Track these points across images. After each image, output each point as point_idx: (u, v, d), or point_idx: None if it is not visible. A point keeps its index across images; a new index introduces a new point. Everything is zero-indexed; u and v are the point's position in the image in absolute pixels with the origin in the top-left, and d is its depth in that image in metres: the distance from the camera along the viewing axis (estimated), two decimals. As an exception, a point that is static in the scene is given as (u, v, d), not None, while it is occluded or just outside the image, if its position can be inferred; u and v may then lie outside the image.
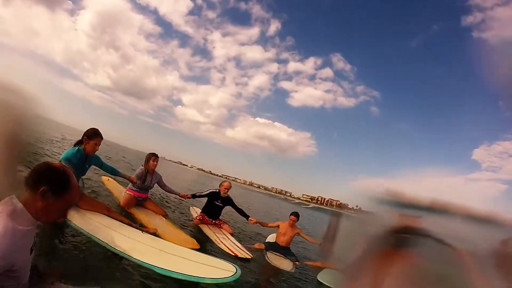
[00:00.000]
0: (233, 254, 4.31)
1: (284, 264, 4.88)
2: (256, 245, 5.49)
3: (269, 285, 3.93)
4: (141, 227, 4.02)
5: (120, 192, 5.35)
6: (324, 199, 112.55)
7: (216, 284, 2.68)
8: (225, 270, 2.79)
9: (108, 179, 5.97)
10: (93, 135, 3.62)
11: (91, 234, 2.90)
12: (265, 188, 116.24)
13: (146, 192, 5.17)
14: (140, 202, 5.04)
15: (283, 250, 5.51)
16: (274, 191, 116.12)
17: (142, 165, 5.05)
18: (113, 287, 2.27)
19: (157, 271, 2.63)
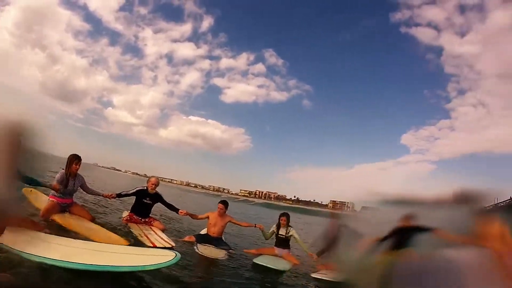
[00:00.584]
0: (152, 246, 4.25)
1: (215, 253, 4.83)
2: (186, 238, 5.44)
3: (199, 274, 3.92)
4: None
5: (44, 201, 4.92)
6: (262, 192, 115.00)
7: (158, 270, 2.79)
8: (164, 256, 2.87)
9: (31, 190, 5.43)
10: None
11: (20, 251, 2.69)
12: (203, 187, 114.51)
13: (71, 197, 4.89)
14: (65, 208, 4.76)
15: (215, 240, 5.45)
16: (211, 189, 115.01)
17: (62, 169, 4.73)
18: None
19: (96, 269, 2.57)
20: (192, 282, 3.43)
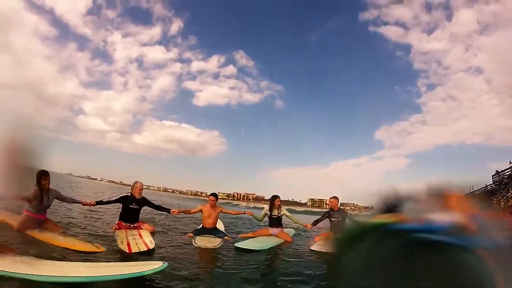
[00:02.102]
0: (128, 252, 4.08)
1: (211, 242, 5.09)
2: (187, 236, 5.64)
3: (198, 265, 4.03)
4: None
5: (10, 217, 4.90)
6: (240, 194, 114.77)
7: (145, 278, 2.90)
8: (152, 265, 3.00)
9: None
10: None
11: (17, 273, 2.67)
12: (180, 192, 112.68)
13: (44, 212, 4.86)
14: (39, 224, 4.69)
15: (211, 231, 5.80)
16: (189, 193, 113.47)
17: (35, 185, 4.63)
18: None
19: (92, 280, 2.67)
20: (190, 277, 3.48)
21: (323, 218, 6.61)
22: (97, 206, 5.66)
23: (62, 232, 4.77)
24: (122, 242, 4.48)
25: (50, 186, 4.84)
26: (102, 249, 3.95)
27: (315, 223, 6.64)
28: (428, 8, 78.79)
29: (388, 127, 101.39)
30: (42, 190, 4.70)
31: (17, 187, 3.22)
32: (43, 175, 4.68)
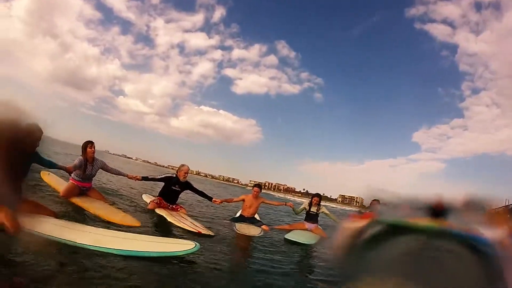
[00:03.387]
0: (197, 231, 4.30)
1: (252, 230, 5.15)
2: (225, 222, 5.73)
3: (242, 250, 4.21)
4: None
5: (61, 184, 5.12)
6: (271, 184, 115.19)
7: (181, 258, 2.92)
8: (186, 245, 3.01)
9: (48, 174, 5.57)
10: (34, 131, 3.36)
11: (52, 236, 2.77)
12: (213, 177, 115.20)
13: (90, 181, 5.02)
14: (83, 192, 4.88)
15: (249, 220, 5.87)
16: (221, 179, 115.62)
17: (80, 155, 4.83)
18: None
19: (123, 253, 2.72)
20: (231, 259, 3.61)
21: None
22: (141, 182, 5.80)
23: (105, 202, 4.93)
24: (178, 222, 4.64)
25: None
26: (139, 224, 4.06)
27: None
28: (477, 7, 72.12)
29: (427, 130, 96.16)
30: (87, 160, 4.84)
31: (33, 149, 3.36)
32: (88, 144, 4.83)
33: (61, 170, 4.64)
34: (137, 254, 2.77)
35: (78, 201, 4.56)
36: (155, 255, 2.82)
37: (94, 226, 3.43)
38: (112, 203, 5.06)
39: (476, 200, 3.48)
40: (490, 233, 3.00)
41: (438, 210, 4.22)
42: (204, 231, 4.40)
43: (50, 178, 5.48)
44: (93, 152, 4.91)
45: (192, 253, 2.94)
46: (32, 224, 2.72)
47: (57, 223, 3.18)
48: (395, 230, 3.69)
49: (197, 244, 2.99)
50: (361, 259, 3.46)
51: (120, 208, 4.79)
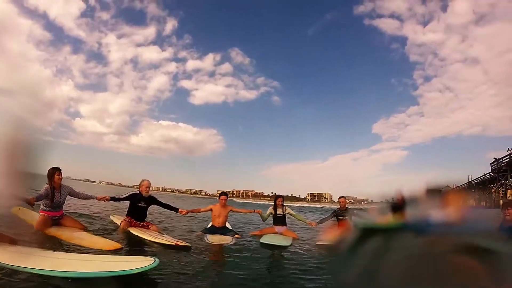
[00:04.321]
0: (174, 244, 4.34)
1: (223, 239, 5.19)
2: (197, 234, 5.71)
3: (215, 261, 4.17)
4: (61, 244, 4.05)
5: (35, 218, 4.90)
6: (239, 191, 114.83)
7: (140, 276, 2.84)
8: (144, 261, 2.93)
9: (19, 208, 5.31)
10: None
11: (7, 264, 2.73)
12: (179, 191, 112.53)
13: (60, 209, 4.87)
14: (57, 221, 4.76)
15: (221, 230, 5.87)
16: (188, 192, 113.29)
17: (46, 183, 4.67)
18: None
19: (86, 276, 2.69)
20: (206, 269, 3.58)
21: (330, 217, 6.78)
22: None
23: (81, 228, 4.82)
24: (154, 238, 4.63)
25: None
26: (120, 246, 3.97)
27: (321, 221, 6.83)
28: None
29: (385, 120, 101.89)
30: (54, 187, 4.70)
31: (15, 189, 3.19)
32: (55, 172, 4.69)
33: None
34: (97, 275, 2.71)
35: (54, 232, 4.44)
36: (111, 274, 2.72)
37: (53, 250, 3.37)
38: (87, 229, 4.99)
39: (433, 187, 3.92)
40: (441, 214, 3.39)
41: (399, 205, 4.96)
42: (181, 243, 4.44)
43: (23, 212, 5.26)
44: (61, 179, 4.77)
45: (152, 269, 2.85)
46: None
47: (14, 250, 3.11)
48: (367, 233, 4.18)
49: (156, 259, 2.93)
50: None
51: (97, 234, 4.71)
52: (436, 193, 3.84)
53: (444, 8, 78.02)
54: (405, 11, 78.13)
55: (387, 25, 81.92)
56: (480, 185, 31.01)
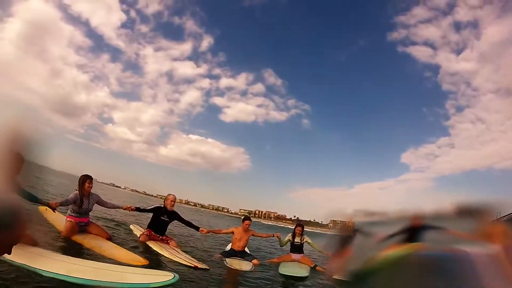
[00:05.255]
0: (193, 266, 4.34)
1: (243, 265, 5.14)
2: (216, 256, 5.63)
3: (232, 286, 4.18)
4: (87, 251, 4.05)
5: (61, 221, 5.02)
6: (262, 212, 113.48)
7: None
8: (164, 276, 2.94)
9: (46, 209, 5.29)
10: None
11: (27, 265, 2.78)
12: (202, 206, 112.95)
13: (87, 216, 4.92)
14: (83, 228, 4.78)
15: (240, 253, 5.80)
16: (211, 208, 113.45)
17: (76, 189, 4.80)
18: None
19: (99, 285, 2.67)
20: None
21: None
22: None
23: (107, 238, 4.86)
24: (173, 256, 4.65)
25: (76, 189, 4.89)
26: (147, 262, 3.95)
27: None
28: (457, 27, 76.89)
29: (414, 150, 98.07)
30: (83, 194, 4.80)
31: (14, 178, 3.32)
32: (87, 179, 4.83)
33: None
34: (111, 285, 2.71)
35: (81, 239, 4.48)
36: (129, 286, 2.74)
37: (71, 256, 3.36)
38: (112, 238, 5.02)
39: (467, 207, 3.34)
40: (481, 248, 2.79)
41: (415, 229, 4.29)
42: (200, 265, 4.43)
43: (48, 213, 5.30)
44: (91, 187, 4.88)
45: (171, 284, 2.85)
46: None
47: (34, 252, 3.15)
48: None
49: (176, 275, 2.94)
50: None
51: (123, 245, 4.71)
52: (472, 215, 3.18)
53: (478, 36, 75.41)
54: (439, 38, 76.28)
55: (420, 53, 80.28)
56: (509, 223, 28.45)
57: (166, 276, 2.91)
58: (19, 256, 2.82)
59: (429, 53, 79.35)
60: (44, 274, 2.71)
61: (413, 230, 4.30)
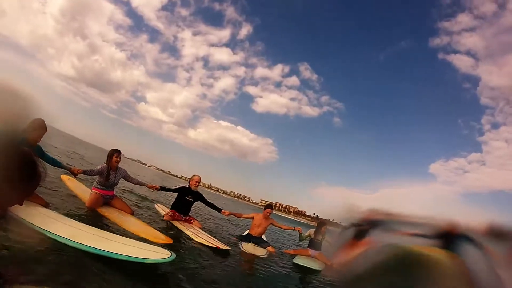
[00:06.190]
0: (215, 246, 4.39)
1: (258, 251, 5.20)
2: (232, 239, 5.80)
3: (247, 271, 4.17)
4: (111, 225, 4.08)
5: (83, 191, 5.16)
6: (282, 205, 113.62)
7: (152, 265, 2.81)
8: (161, 254, 2.91)
9: (69, 178, 5.59)
10: (38, 127, 3.43)
11: (34, 224, 2.85)
12: (224, 192, 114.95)
13: (112, 189, 4.99)
14: (107, 201, 4.86)
15: (255, 239, 5.85)
16: (232, 195, 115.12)
17: (104, 162, 4.88)
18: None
19: (98, 253, 2.67)
20: (237, 277, 3.66)
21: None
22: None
23: (131, 213, 4.91)
24: (195, 236, 4.71)
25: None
26: (171, 241, 3.95)
27: None
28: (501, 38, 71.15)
29: (444, 162, 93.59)
30: (111, 168, 4.84)
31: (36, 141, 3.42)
32: (115, 153, 4.87)
33: (83, 174, 4.65)
34: (108, 255, 2.69)
35: (105, 212, 4.54)
36: (125, 258, 2.71)
37: (76, 220, 3.41)
38: (134, 213, 5.07)
39: (504, 229, 3.12)
40: None
41: (451, 236, 3.77)
42: (222, 246, 4.50)
43: (71, 183, 5.49)
44: (118, 162, 4.94)
45: (166, 262, 2.84)
46: (20, 210, 2.58)
47: (44, 213, 3.26)
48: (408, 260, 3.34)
49: (173, 254, 2.91)
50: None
51: (147, 222, 4.73)
52: (505, 237, 3.00)
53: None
54: (482, 49, 71.35)
55: (461, 62, 75.97)
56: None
57: (162, 254, 2.89)
58: (28, 214, 2.90)
59: (471, 63, 74.88)
60: (47, 234, 2.76)
61: (448, 237, 3.80)
